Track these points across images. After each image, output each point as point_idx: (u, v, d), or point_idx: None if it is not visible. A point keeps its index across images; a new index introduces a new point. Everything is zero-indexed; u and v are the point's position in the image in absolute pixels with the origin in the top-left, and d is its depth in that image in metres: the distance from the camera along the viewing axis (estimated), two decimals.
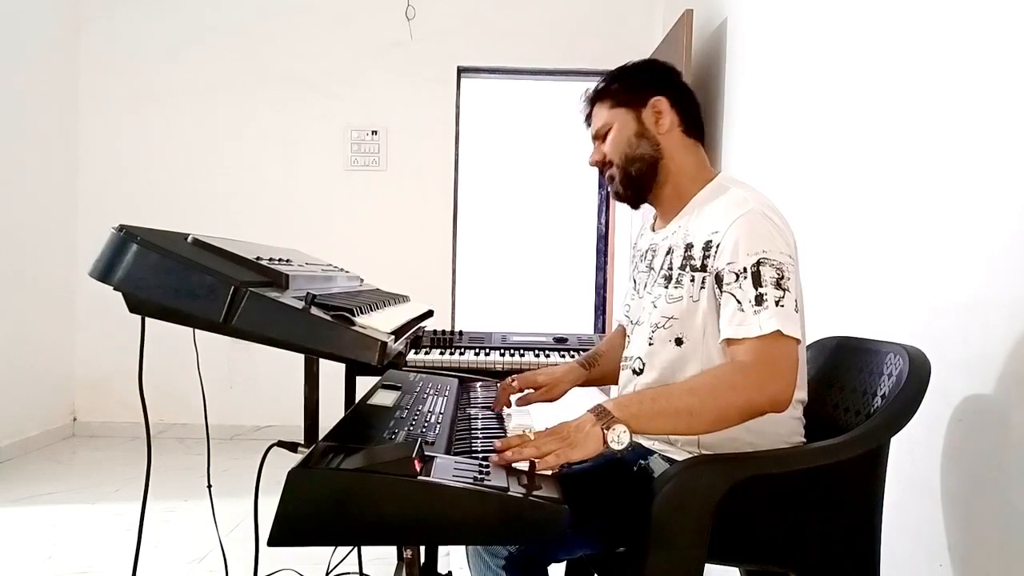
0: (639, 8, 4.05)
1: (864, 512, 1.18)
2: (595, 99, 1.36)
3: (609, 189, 1.39)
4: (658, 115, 1.30)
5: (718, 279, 1.15)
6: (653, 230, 1.40)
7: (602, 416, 1.03)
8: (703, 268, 1.18)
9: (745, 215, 1.15)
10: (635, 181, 1.32)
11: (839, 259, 1.90)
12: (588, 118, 1.38)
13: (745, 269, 1.11)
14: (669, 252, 1.28)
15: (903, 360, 1.17)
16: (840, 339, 1.42)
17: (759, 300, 1.09)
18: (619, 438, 1.01)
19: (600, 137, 1.35)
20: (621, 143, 1.31)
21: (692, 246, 1.22)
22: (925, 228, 1.52)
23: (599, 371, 1.56)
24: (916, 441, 1.43)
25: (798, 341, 1.10)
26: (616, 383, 1.53)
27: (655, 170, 1.31)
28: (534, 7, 4.05)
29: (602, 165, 1.36)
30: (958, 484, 1.38)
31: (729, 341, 1.12)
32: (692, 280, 1.20)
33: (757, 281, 1.10)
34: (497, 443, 1.03)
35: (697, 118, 1.34)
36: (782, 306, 1.08)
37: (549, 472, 0.99)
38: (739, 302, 1.11)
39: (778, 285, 1.10)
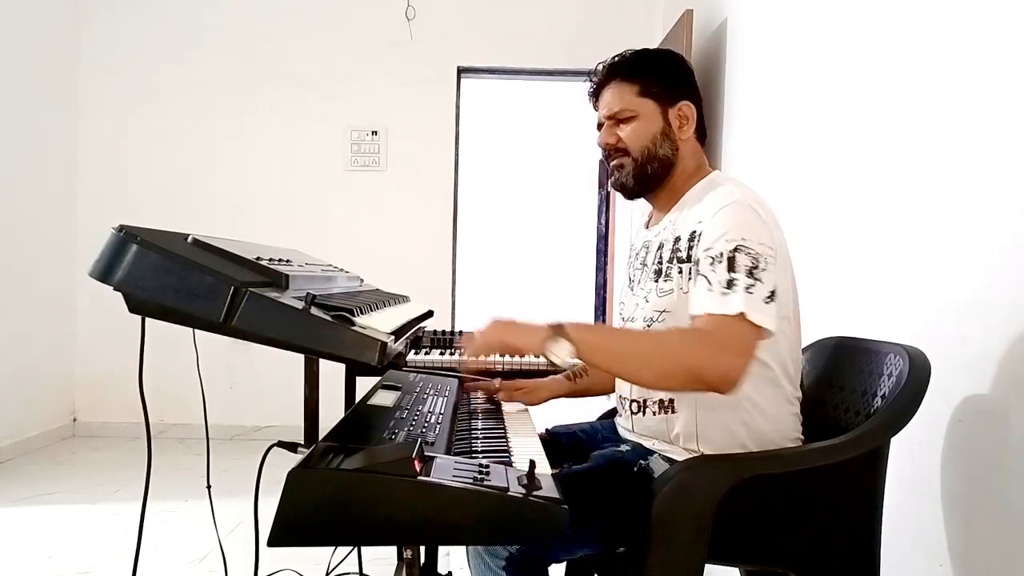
0: (639, 8, 4.05)
1: (864, 512, 1.18)
2: (622, 77, 1.31)
3: (612, 176, 1.35)
4: (684, 120, 1.31)
5: (696, 263, 1.16)
6: (647, 227, 1.41)
7: (556, 328, 1.06)
8: (689, 259, 1.19)
9: (729, 205, 1.16)
10: (646, 178, 1.32)
11: (839, 259, 1.90)
12: (600, 91, 1.34)
13: (721, 254, 1.12)
14: (660, 247, 1.29)
15: (903, 360, 1.17)
16: (840, 339, 1.42)
17: (729, 284, 1.09)
18: (559, 353, 1.04)
19: (616, 119, 1.31)
20: (645, 138, 1.30)
21: (679, 239, 1.23)
22: (925, 228, 1.52)
23: (586, 382, 1.56)
24: (916, 441, 1.43)
25: (764, 331, 1.08)
26: (609, 394, 1.53)
27: (667, 172, 1.32)
28: (534, 7, 4.05)
29: (613, 150, 1.33)
30: (958, 484, 1.38)
31: (694, 318, 1.13)
32: (680, 272, 1.21)
33: (731, 267, 1.10)
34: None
35: (705, 126, 1.36)
36: (751, 293, 1.08)
37: (490, 358, 1.05)
38: (709, 283, 1.11)
39: (751, 274, 1.09)
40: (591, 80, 1.36)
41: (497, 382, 1.56)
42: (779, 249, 1.17)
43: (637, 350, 1.07)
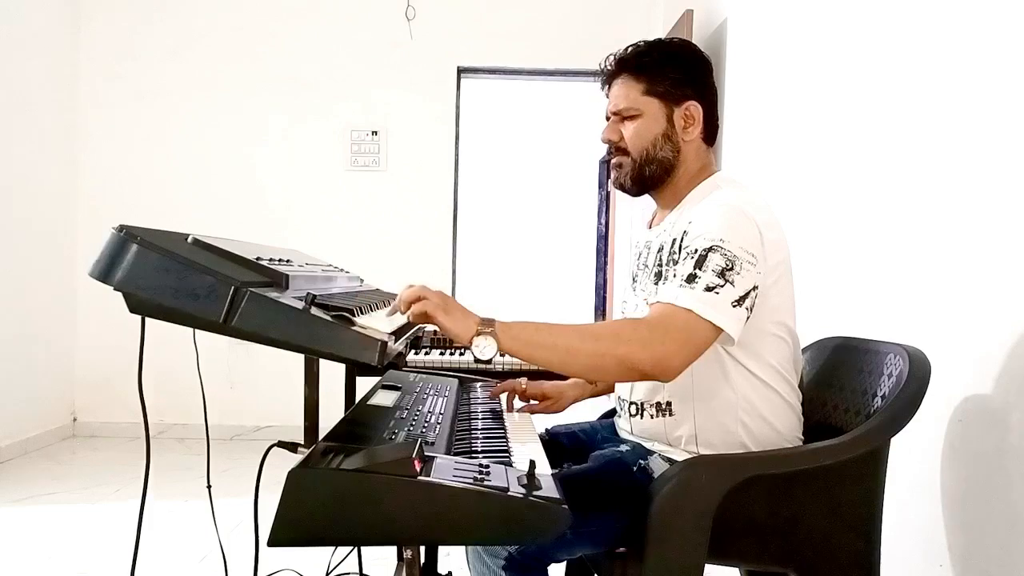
0: (639, 9, 4.05)
1: (864, 512, 1.18)
2: (630, 72, 1.28)
3: (612, 173, 1.34)
4: (689, 121, 1.27)
5: (674, 261, 1.16)
6: (650, 227, 1.40)
7: (486, 324, 1.05)
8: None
9: (722, 206, 1.16)
10: (644, 180, 1.30)
11: (839, 259, 1.90)
12: (610, 82, 1.31)
13: (696, 251, 1.11)
14: (660, 249, 1.28)
15: (903, 360, 1.17)
16: (840, 339, 1.42)
17: (690, 279, 1.09)
18: (483, 350, 1.03)
19: (620, 115, 1.29)
20: (645, 139, 1.27)
21: (676, 240, 1.22)
22: (925, 228, 1.52)
23: (604, 384, 1.55)
24: (916, 441, 1.43)
25: (717, 329, 1.07)
26: None
27: (667, 174, 1.29)
28: (534, 7, 4.05)
29: (615, 147, 1.31)
30: (958, 484, 1.38)
31: (649, 307, 1.13)
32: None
33: (700, 264, 1.10)
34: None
35: (717, 124, 1.32)
36: (716, 294, 1.07)
37: (417, 315, 1.06)
38: (674, 276, 1.12)
39: (722, 274, 1.08)
40: (601, 70, 1.33)
41: (523, 384, 1.53)
42: (775, 259, 1.16)
43: (565, 343, 1.06)
